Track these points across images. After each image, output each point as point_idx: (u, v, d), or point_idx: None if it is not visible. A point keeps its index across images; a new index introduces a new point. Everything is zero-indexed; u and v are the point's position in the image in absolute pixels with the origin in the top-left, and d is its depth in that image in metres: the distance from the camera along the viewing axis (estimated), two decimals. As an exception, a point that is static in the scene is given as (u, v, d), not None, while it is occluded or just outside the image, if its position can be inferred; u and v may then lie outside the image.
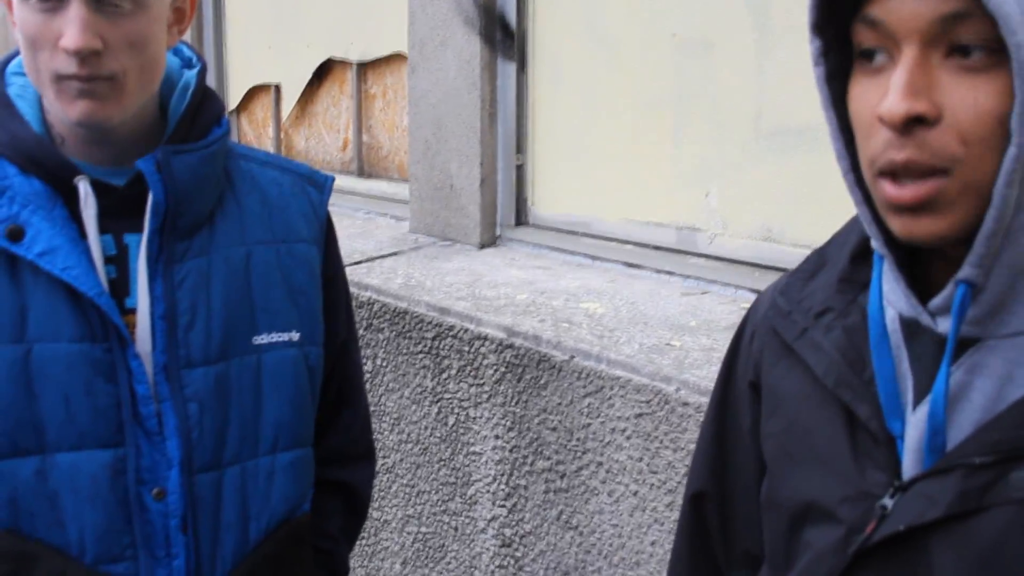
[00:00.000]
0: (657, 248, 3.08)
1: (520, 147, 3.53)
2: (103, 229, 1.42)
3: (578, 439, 2.51)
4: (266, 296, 1.54)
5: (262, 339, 1.53)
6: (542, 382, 2.58)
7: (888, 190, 0.93)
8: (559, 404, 2.55)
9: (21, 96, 1.45)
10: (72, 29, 1.29)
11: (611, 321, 2.67)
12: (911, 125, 0.89)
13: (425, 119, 3.69)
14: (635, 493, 2.38)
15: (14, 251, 1.37)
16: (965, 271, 0.93)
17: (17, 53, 1.47)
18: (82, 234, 1.40)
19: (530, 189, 3.54)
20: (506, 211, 3.54)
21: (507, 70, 3.48)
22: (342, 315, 1.70)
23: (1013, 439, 0.91)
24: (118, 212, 1.44)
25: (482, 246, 3.53)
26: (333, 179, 1.72)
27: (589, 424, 2.48)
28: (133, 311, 1.43)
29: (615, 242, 3.22)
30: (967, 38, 0.87)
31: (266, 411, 1.54)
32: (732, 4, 2.82)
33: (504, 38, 3.47)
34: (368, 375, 3.16)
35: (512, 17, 3.46)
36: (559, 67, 3.40)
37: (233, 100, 5.18)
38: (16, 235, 1.37)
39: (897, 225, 0.94)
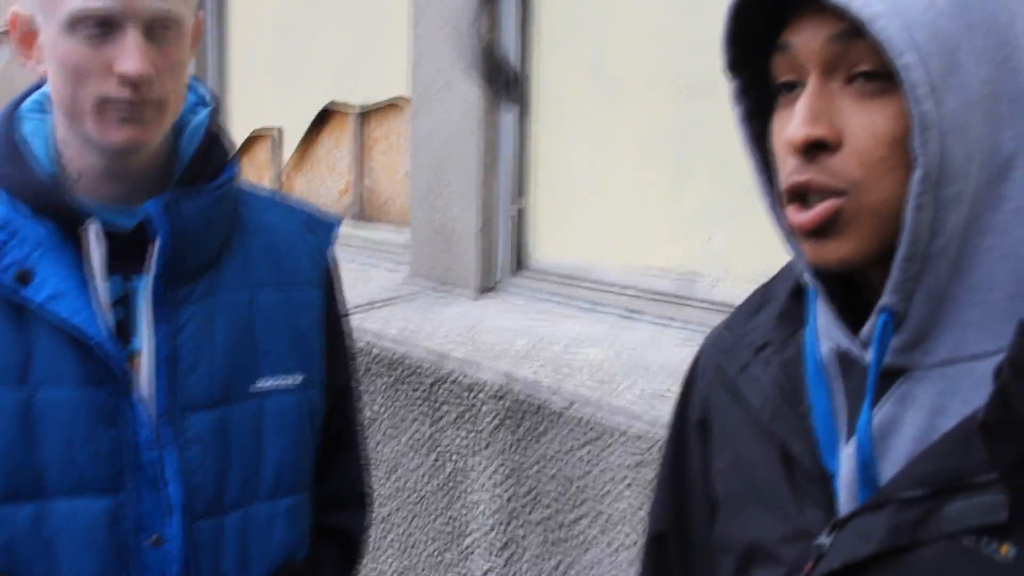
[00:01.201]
0: (658, 294, 3.04)
1: (521, 192, 3.50)
2: (111, 270, 1.42)
3: (577, 488, 2.45)
4: (269, 340, 1.53)
5: (265, 383, 1.52)
6: (540, 429, 2.53)
7: (792, 215, 0.93)
8: (558, 452, 2.49)
9: (35, 133, 1.45)
10: (132, 56, 1.32)
11: (611, 368, 2.62)
12: (814, 150, 0.90)
13: (426, 163, 3.66)
14: (635, 543, 2.32)
15: (22, 294, 1.37)
16: (885, 298, 0.92)
17: (29, 93, 1.49)
18: (90, 275, 1.40)
19: (530, 235, 3.51)
20: (506, 257, 3.51)
21: (509, 115, 3.46)
22: (343, 359, 1.69)
23: (944, 471, 0.89)
24: (126, 254, 1.43)
25: (481, 292, 3.49)
26: (340, 221, 1.71)
27: (588, 472, 2.42)
28: (138, 353, 1.43)
29: (615, 288, 3.18)
30: (862, 64, 0.88)
31: (267, 455, 1.52)
32: (736, 49, 2.80)
33: (507, 82, 3.45)
34: (366, 422, 3.11)
35: (515, 61, 3.44)
36: (561, 111, 3.38)
37: (236, 142, 5.16)
38: (25, 278, 1.37)
39: (807, 251, 0.95)
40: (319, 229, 1.65)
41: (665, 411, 2.29)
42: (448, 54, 3.52)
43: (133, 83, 1.33)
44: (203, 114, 1.53)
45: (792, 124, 0.91)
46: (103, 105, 1.35)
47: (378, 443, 3.08)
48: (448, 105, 3.55)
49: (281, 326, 1.54)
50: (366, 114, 4.39)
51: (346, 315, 1.70)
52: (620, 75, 3.18)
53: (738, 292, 2.80)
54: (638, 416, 2.31)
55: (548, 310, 3.26)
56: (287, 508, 1.54)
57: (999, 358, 0.87)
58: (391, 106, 4.24)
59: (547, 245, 3.46)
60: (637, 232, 3.13)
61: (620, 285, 3.17)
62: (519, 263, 3.51)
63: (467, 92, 3.47)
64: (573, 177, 3.35)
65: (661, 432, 2.23)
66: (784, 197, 0.95)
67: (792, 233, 0.98)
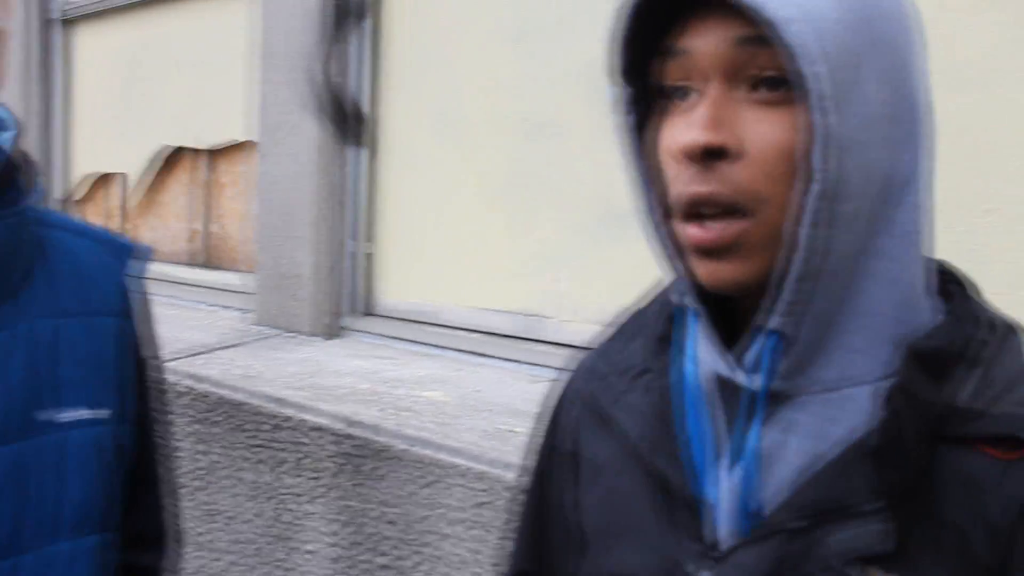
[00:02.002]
0: (505, 336, 3.01)
1: (368, 235, 3.45)
2: None
3: (418, 532, 2.38)
4: (73, 371, 1.44)
5: (67, 416, 1.43)
6: (380, 473, 2.46)
7: (692, 232, 0.87)
8: (398, 496, 2.42)
9: None
10: None
11: (454, 409, 2.56)
12: (713, 159, 0.85)
13: (273, 206, 3.58)
14: (474, 589, 2.26)
15: None
16: (774, 320, 0.87)
17: None
18: None
19: (377, 278, 3.45)
20: (352, 300, 3.44)
21: (357, 156, 3.42)
22: (152, 391, 1.60)
23: (829, 499, 0.85)
24: None
25: (327, 337, 3.41)
26: (150, 249, 1.63)
27: (428, 516, 2.35)
28: None
29: (462, 331, 3.14)
30: (768, 71, 0.84)
31: (69, 493, 1.42)
32: (578, 89, 2.82)
33: (355, 124, 3.41)
34: (203, 472, 2.98)
35: (363, 102, 3.41)
36: (409, 153, 3.35)
37: (79, 189, 4.99)
38: None
39: (701, 271, 0.89)
40: (127, 256, 1.58)
41: (507, 451, 2.25)
42: (295, 96, 3.47)
43: None
44: (4, 136, 1.44)
45: (691, 130, 0.85)
46: None
47: (216, 492, 2.95)
48: (294, 147, 3.49)
49: (86, 357, 1.45)
50: (214, 158, 4.29)
51: (154, 344, 1.62)
52: (466, 117, 3.17)
53: (585, 332, 2.80)
54: (478, 456, 2.26)
55: (394, 353, 3.19)
56: (91, 548, 1.44)
57: (881, 384, 0.85)
58: (239, 149, 4.15)
59: (394, 288, 3.41)
60: (484, 273, 3.11)
61: (466, 327, 3.14)
62: (366, 306, 3.45)
63: (314, 134, 3.41)
64: (420, 219, 3.31)
65: (502, 472, 2.19)
66: (677, 210, 0.89)
67: (679, 252, 0.93)
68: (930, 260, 0.92)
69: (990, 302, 0.93)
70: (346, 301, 3.44)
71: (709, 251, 0.87)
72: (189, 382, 3.03)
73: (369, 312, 3.45)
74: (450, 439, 2.34)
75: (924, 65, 0.89)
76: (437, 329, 3.21)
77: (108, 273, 1.53)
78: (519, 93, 3.01)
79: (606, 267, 2.76)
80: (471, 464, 2.26)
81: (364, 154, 3.41)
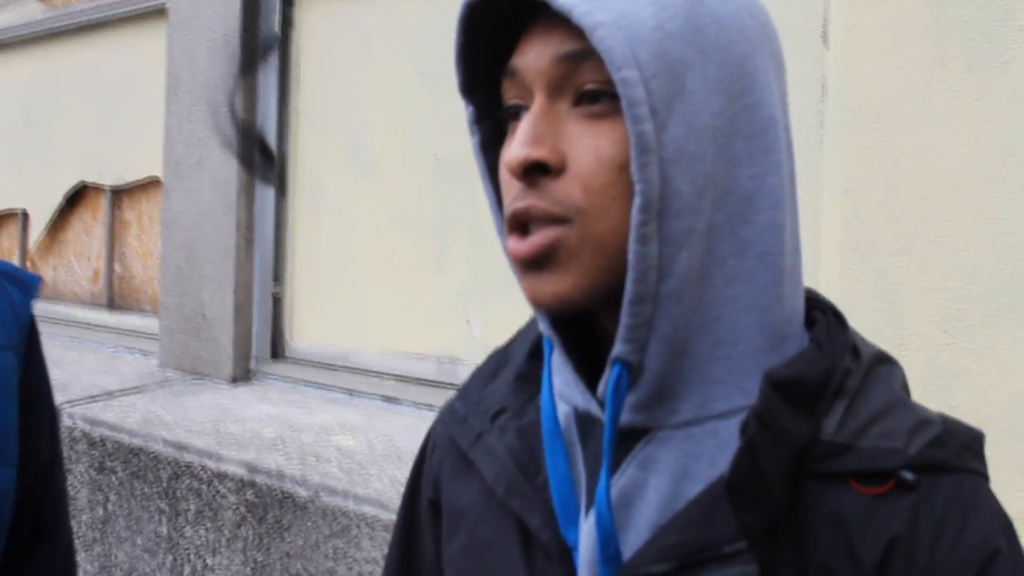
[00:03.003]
0: (418, 380, 2.93)
1: (278, 275, 3.35)
2: None
3: (323, 586, 2.28)
4: None
5: None
6: (285, 523, 2.35)
7: (512, 244, 0.83)
8: (303, 547, 2.32)
9: None
10: None
11: (363, 456, 2.47)
12: (534, 174, 0.81)
13: (178, 244, 3.46)
14: (383, 645, 2.16)
15: None
16: (617, 348, 0.82)
17: None
18: None
19: (287, 320, 3.35)
20: (261, 343, 3.33)
21: (266, 194, 3.32)
22: (45, 433, 1.49)
23: (691, 542, 0.80)
24: None
25: (235, 381, 3.29)
26: (39, 279, 1.52)
27: (335, 568, 2.25)
28: None
29: (374, 375, 3.05)
30: (590, 83, 0.81)
31: None
32: (492, 128, 2.77)
33: (263, 160, 3.31)
34: (99, 523, 2.84)
35: (272, 139, 3.32)
36: (320, 192, 3.26)
37: (-24, 228, 4.81)
38: None
39: (525, 288, 0.84)
40: (15, 286, 1.47)
41: (416, 499, 2.16)
42: (202, 129, 3.37)
43: None
44: None
45: (512, 146, 0.82)
46: None
47: (111, 545, 2.81)
48: (200, 183, 3.38)
49: None
50: (118, 195, 4.16)
51: (47, 383, 1.51)
52: (378, 154, 3.10)
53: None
54: (387, 505, 2.18)
55: (304, 397, 3.09)
56: None
57: (745, 415, 0.80)
58: (145, 187, 4.03)
59: (305, 330, 3.31)
60: (397, 316, 3.03)
61: (379, 371, 3.05)
62: (276, 349, 3.34)
63: (221, 170, 3.31)
64: (332, 259, 3.22)
65: (411, 521, 2.10)
66: (507, 227, 0.84)
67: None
68: (797, 285, 0.87)
69: (857, 332, 0.89)
70: (255, 344, 3.33)
71: (527, 263, 0.82)
72: (85, 426, 2.89)
73: (279, 355, 3.34)
74: (358, 487, 2.25)
75: (776, 78, 0.85)
76: (349, 373, 3.11)
77: None
78: (430, 130, 2.95)
79: (523, 309, 2.70)
80: (379, 513, 2.17)
81: (273, 191, 3.32)
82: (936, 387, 1.85)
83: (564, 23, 0.81)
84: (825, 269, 2.01)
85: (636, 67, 0.78)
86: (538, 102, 0.83)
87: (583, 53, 0.80)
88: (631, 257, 0.79)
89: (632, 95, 0.77)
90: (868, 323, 1.84)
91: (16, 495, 1.42)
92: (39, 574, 1.50)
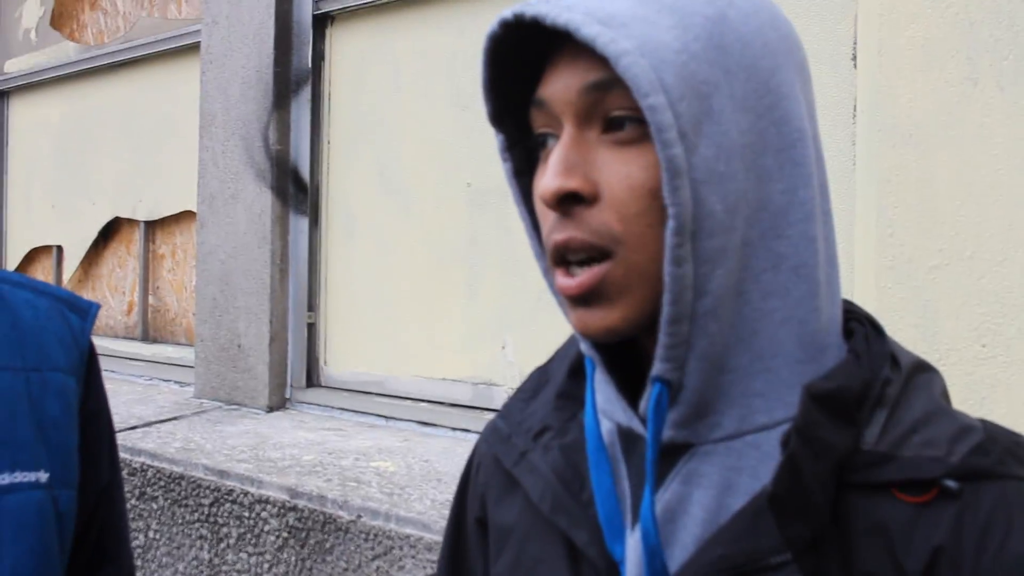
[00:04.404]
0: (453, 405, 2.95)
1: (312, 304, 3.38)
2: None
3: (366, 608, 2.30)
4: (10, 429, 1.34)
5: (3, 478, 1.33)
6: (328, 546, 2.37)
7: (559, 280, 0.85)
8: (346, 570, 2.34)
9: None
10: None
11: (402, 479, 2.49)
12: (568, 204, 0.82)
13: (213, 276, 3.51)
14: (427, 665, 2.17)
15: None
16: (657, 367, 0.83)
17: None
18: None
19: (322, 348, 3.38)
20: (296, 372, 3.36)
21: (299, 224, 3.37)
22: (104, 456, 1.50)
23: (736, 554, 0.81)
24: None
25: (271, 409, 3.32)
26: (98, 306, 1.55)
27: (377, 590, 2.27)
28: None
29: (410, 401, 3.08)
30: (617, 110, 0.82)
31: (2, 562, 1.32)
32: (525, 155, 2.81)
33: (297, 191, 3.36)
34: (140, 549, 2.87)
35: (305, 169, 3.37)
36: (353, 221, 3.30)
37: (12, 262, 4.87)
38: None
39: (574, 319, 0.86)
40: (75, 312, 1.49)
41: (457, 520, 2.18)
42: (236, 163, 3.42)
43: None
44: None
45: (545, 177, 0.83)
46: None
47: (154, 571, 2.84)
48: (235, 216, 3.43)
49: (25, 415, 1.36)
50: (152, 229, 4.21)
51: (106, 406, 1.53)
52: (410, 184, 3.14)
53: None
54: (428, 526, 2.19)
55: (340, 424, 3.12)
56: None
57: (786, 428, 0.81)
58: (178, 220, 4.08)
59: (340, 358, 3.34)
60: (431, 342, 3.06)
61: (414, 396, 3.07)
62: (311, 376, 3.37)
63: (255, 202, 3.36)
64: (366, 287, 3.26)
65: (453, 542, 2.12)
66: (549, 258, 0.86)
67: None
68: (834, 296, 0.88)
69: (895, 341, 0.89)
70: (290, 372, 3.36)
71: (576, 299, 0.84)
72: (124, 455, 2.92)
73: (314, 383, 3.37)
74: (400, 508, 2.27)
75: (803, 89, 0.86)
76: (384, 399, 3.14)
77: (53, 327, 1.46)
78: (461, 158, 2.99)
79: (555, 332, 2.72)
80: (422, 534, 2.19)
81: (307, 221, 3.37)
82: (975, 401, 1.87)
83: (588, 52, 0.81)
84: (860, 286, 2.03)
85: (663, 92, 0.78)
86: (568, 132, 0.84)
87: (609, 82, 0.81)
88: (666, 279, 0.80)
89: (660, 120, 0.78)
90: (905, 339, 1.85)
91: (78, 518, 1.44)
92: None
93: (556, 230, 0.83)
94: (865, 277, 2.02)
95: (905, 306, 1.96)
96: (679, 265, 0.80)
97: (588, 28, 0.79)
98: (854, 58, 2.18)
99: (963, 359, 1.91)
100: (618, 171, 0.81)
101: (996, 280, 1.88)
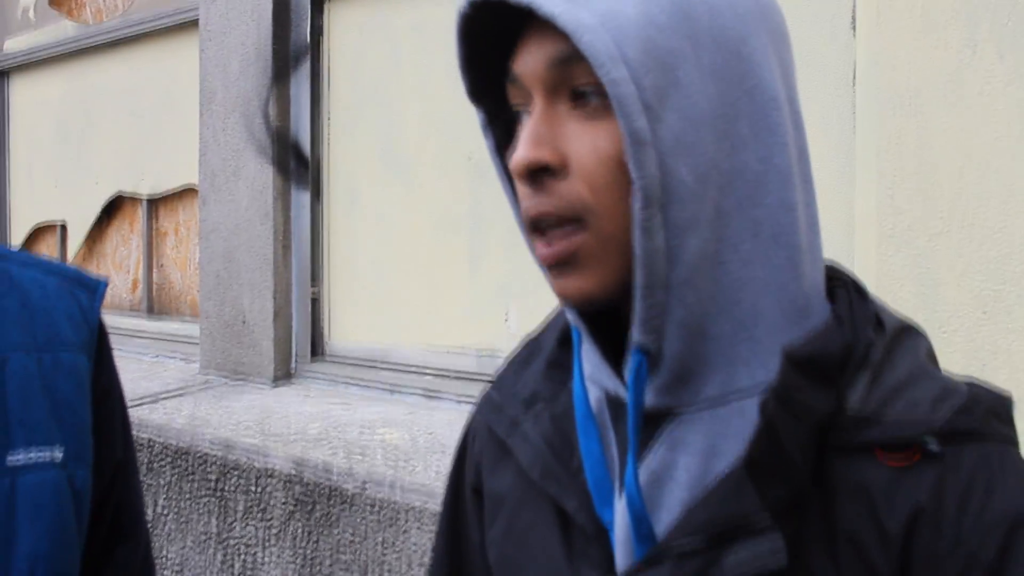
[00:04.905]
0: (458, 375, 2.97)
1: (315, 277, 3.40)
2: None
3: (374, 574, 2.33)
4: (24, 409, 1.35)
5: (18, 458, 1.33)
6: (333, 516, 2.40)
7: (538, 248, 0.86)
8: (352, 539, 2.36)
9: None
10: None
11: (407, 449, 2.52)
12: (539, 176, 0.84)
13: (216, 252, 3.53)
14: (434, 632, 2.20)
15: None
16: (635, 335, 0.84)
17: None
18: None
19: (326, 321, 3.40)
20: (301, 345, 3.38)
21: (301, 199, 3.38)
22: (118, 433, 1.50)
23: (721, 518, 0.82)
24: None
25: (276, 382, 3.35)
26: (106, 282, 1.55)
27: (385, 557, 2.29)
28: None
29: (414, 371, 3.10)
30: (582, 84, 0.83)
31: (20, 542, 1.32)
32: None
33: (298, 166, 3.37)
34: (148, 522, 2.89)
35: (306, 144, 3.38)
36: (355, 194, 3.32)
37: (17, 240, 4.89)
38: None
39: (553, 285, 0.87)
40: (83, 289, 1.49)
41: (462, 489, 2.20)
42: (237, 139, 3.43)
43: None
44: None
45: (516, 151, 0.84)
46: None
47: (162, 544, 2.87)
48: (237, 192, 3.44)
49: (38, 394, 1.36)
50: (155, 205, 4.23)
51: (118, 383, 1.53)
52: (411, 156, 3.15)
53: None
54: (434, 496, 2.22)
55: (346, 395, 3.14)
56: None
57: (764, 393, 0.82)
58: (181, 196, 4.09)
59: (344, 330, 3.36)
60: (435, 312, 3.08)
61: (420, 366, 3.09)
62: (316, 349, 3.39)
63: (257, 178, 3.37)
64: (369, 260, 3.27)
65: (458, 511, 2.14)
66: (526, 228, 0.88)
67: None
68: (816, 261, 0.88)
69: (880, 303, 0.89)
70: (295, 345, 3.38)
71: (553, 266, 0.85)
72: (132, 431, 2.95)
73: (318, 355, 3.40)
74: (405, 478, 2.30)
75: (776, 54, 0.86)
76: (389, 370, 3.16)
77: (62, 305, 1.45)
78: (462, 131, 2.99)
79: (557, 302, 2.74)
80: (427, 502, 2.22)
81: (308, 196, 3.38)
82: (976, 367, 1.88)
83: (554, 27, 0.82)
84: (860, 254, 2.04)
85: (624, 65, 0.79)
86: (537, 105, 0.85)
87: (573, 55, 0.81)
88: (637, 249, 0.81)
89: (621, 93, 0.79)
90: (906, 307, 1.87)
91: (93, 496, 1.44)
92: (118, 573, 1.52)
93: (528, 201, 0.85)
94: (866, 245, 2.03)
95: (906, 273, 1.97)
96: (649, 235, 0.80)
97: (550, 5, 0.80)
98: (853, 25, 2.18)
99: (964, 326, 1.92)
100: (586, 143, 0.83)
101: (996, 247, 1.89)
